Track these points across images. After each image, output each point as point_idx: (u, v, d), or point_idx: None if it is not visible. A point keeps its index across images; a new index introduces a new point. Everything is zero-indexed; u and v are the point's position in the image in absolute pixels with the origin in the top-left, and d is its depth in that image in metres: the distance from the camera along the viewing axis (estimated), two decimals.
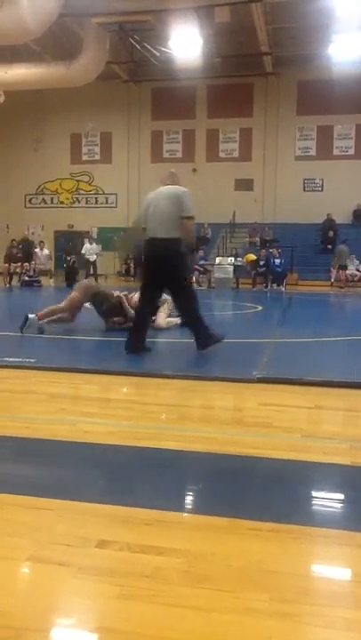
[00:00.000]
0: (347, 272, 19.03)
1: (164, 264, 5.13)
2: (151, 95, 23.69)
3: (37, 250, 18.03)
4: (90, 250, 18.59)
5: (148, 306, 5.45)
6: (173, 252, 5.12)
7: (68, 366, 4.69)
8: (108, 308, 6.82)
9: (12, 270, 18.12)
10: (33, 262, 17.87)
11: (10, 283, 17.82)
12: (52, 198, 25.36)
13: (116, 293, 6.99)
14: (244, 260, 17.52)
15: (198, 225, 21.82)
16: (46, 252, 18.35)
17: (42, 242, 18.83)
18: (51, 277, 18.37)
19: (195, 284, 17.87)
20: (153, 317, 7.11)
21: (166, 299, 6.87)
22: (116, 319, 6.80)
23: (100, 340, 6.45)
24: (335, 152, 22.71)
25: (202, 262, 18.92)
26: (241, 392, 4.16)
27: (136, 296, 6.24)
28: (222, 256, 18.46)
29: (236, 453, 2.78)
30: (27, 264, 17.89)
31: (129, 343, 5.23)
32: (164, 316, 7.01)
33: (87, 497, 2.25)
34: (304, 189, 22.88)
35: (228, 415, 3.71)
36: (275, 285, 17.05)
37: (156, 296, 5.61)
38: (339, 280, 18.28)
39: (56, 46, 19.04)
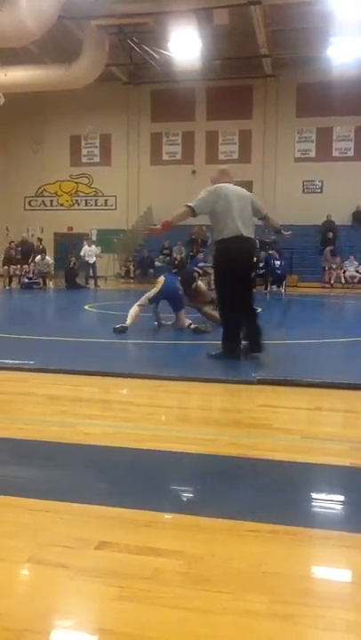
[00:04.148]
0: (346, 274, 19.12)
1: (251, 262, 5.46)
2: (150, 97, 23.73)
3: (38, 257, 17.94)
4: (89, 252, 18.58)
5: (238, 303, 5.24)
6: (254, 252, 5.58)
7: (68, 368, 4.69)
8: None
9: (11, 273, 18.11)
10: (32, 264, 17.84)
11: (9, 285, 17.81)
12: (51, 200, 25.39)
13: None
14: None
15: (197, 227, 21.91)
16: (48, 259, 18.29)
17: (44, 252, 18.73)
18: (50, 280, 18.36)
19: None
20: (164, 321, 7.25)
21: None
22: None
23: (102, 343, 6.44)
24: (335, 154, 22.76)
25: (201, 264, 18.89)
26: (240, 393, 4.15)
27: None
28: None
29: (235, 455, 2.78)
30: (26, 266, 17.88)
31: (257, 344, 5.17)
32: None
33: (87, 499, 2.24)
34: (303, 191, 22.91)
35: (227, 417, 3.70)
36: (274, 287, 17.04)
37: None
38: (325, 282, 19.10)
39: (55, 48, 19.07)
